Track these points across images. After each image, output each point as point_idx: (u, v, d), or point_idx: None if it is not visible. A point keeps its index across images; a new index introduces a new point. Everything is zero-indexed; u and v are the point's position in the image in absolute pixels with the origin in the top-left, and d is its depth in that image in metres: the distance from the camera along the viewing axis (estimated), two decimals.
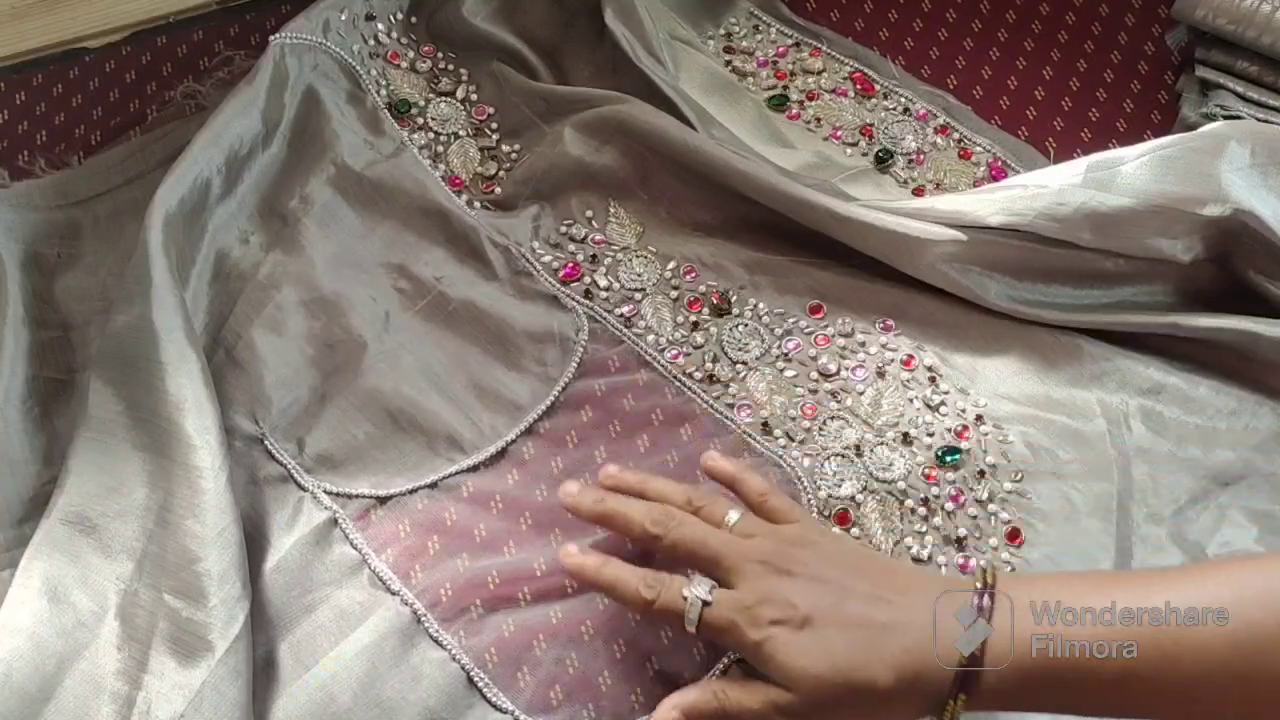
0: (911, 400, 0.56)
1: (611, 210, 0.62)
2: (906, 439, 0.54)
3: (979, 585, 0.43)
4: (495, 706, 0.48)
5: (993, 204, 0.55)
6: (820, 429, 0.55)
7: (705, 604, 0.44)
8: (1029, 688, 0.41)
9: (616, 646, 0.49)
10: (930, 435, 0.54)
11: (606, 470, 0.50)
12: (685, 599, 0.44)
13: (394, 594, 0.50)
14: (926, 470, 0.53)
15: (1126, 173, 0.54)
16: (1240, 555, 0.50)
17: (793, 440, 0.54)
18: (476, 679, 0.48)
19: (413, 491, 0.53)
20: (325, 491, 0.53)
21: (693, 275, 0.60)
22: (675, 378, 0.56)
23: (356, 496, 0.53)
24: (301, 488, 0.53)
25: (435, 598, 0.50)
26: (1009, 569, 0.51)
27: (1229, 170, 0.53)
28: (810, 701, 0.42)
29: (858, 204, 0.58)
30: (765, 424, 0.55)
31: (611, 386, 0.56)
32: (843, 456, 0.54)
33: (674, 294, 0.59)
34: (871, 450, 0.54)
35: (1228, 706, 0.39)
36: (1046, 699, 0.41)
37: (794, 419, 0.55)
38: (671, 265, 0.60)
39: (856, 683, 0.41)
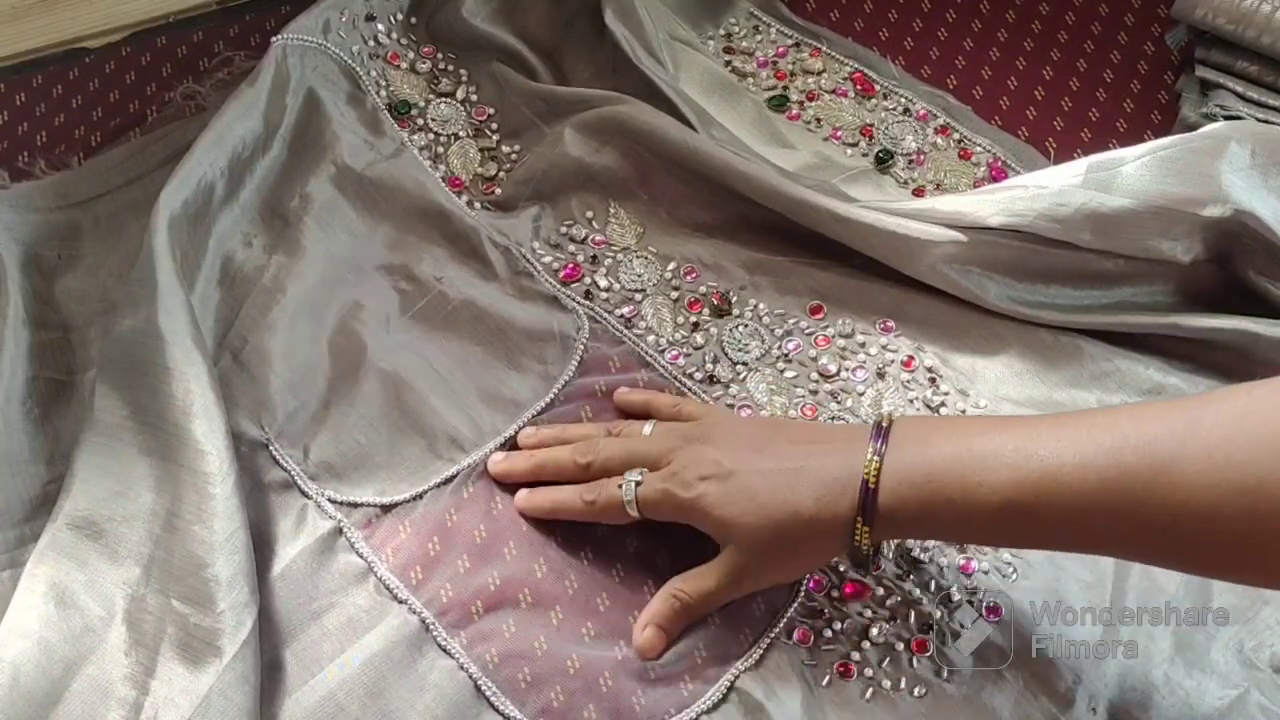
0: (912, 401, 0.56)
1: (612, 211, 0.62)
2: None
3: (878, 427, 0.46)
4: (503, 715, 0.48)
5: (993, 204, 0.55)
6: None
7: (637, 484, 0.49)
8: (922, 516, 0.44)
9: (617, 648, 0.49)
10: None
11: (524, 432, 0.55)
12: (620, 487, 0.49)
13: (401, 602, 0.50)
14: None
15: (1127, 173, 0.54)
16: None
17: None
18: (484, 687, 0.48)
19: (417, 497, 0.53)
20: (329, 500, 0.53)
21: (693, 276, 0.60)
22: (675, 378, 0.57)
23: (361, 505, 0.53)
24: (305, 495, 0.53)
25: (440, 604, 0.50)
26: (1011, 570, 0.51)
27: (1229, 171, 0.53)
28: (749, 549, 0.47)
29: (858, 205, 0.58)
30: None
31: (612, 386, 0.56)
32: None
33: (674, 295, 0.59)
34: None
35: (1104, 537, 0.42)
36: (939, 527, 0.45)
37: (795, 417, 0.55)
38: (672, 266, 0.60)
39: (781, 517, 0.46)
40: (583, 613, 0.50)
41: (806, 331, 0.58)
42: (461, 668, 0.49)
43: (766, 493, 0.46)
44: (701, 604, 0.48)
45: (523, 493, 0.53)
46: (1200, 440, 0.38)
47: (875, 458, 0.44)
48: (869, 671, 0.49)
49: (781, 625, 0.50)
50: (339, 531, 0.52)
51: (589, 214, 0.62)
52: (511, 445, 0.55)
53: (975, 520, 0.43)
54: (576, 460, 0.51)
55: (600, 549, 0.52)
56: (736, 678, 0.48)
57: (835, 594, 0.51)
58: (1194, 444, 0.38)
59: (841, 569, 0.51)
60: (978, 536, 0.47)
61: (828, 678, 0.49)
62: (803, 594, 0.50)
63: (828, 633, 0.50)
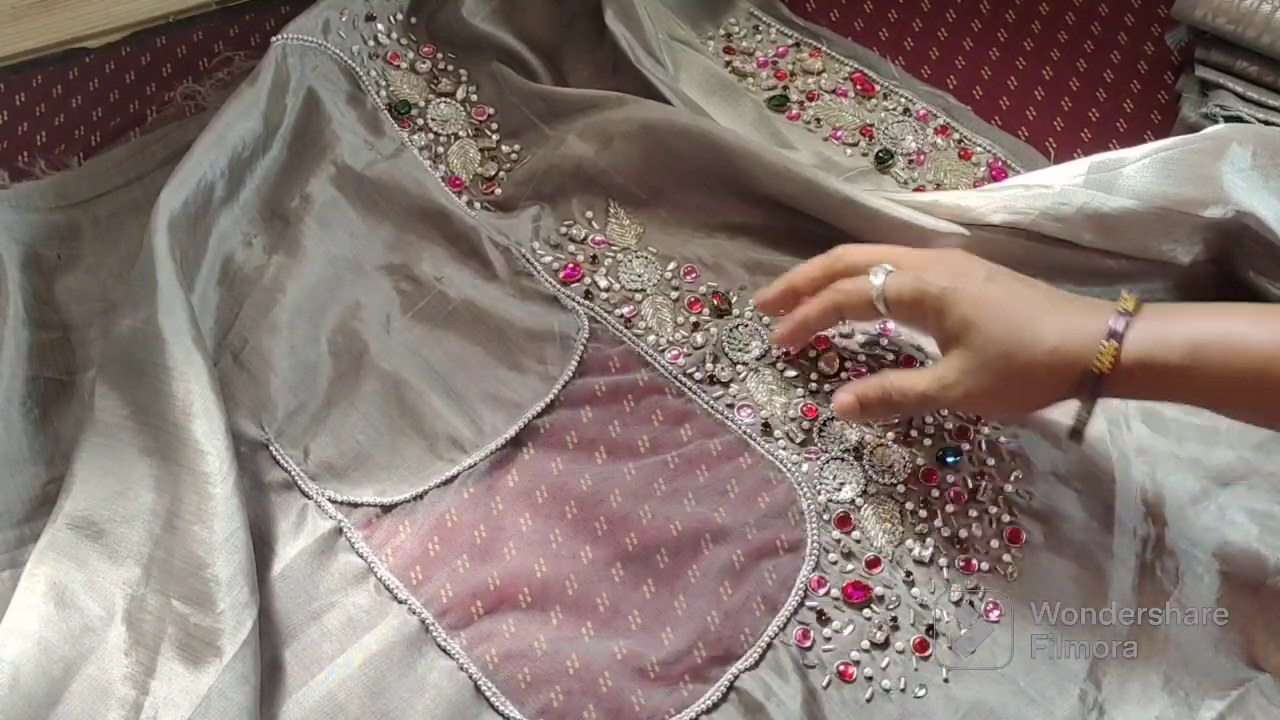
0: None
1: (611, 211, 0.62)
2: (907, 439, 0.54)
3: (1122, 310, 0.47)
4: (503, 715, 0.48)
5: (995, 202, 0.56)
6: (820, 430, 0.55)
7: (888, 272, 0.50)
8: (1157, 371, 0.45)
9: (617, 648, 0.49)
10: (930, 436, 0.54)
11: (763, 298, 0.56)
12: (870, 276, 0.50)
13: (401, 602, 0.50)
14: (926, 472, 0.53)
15: (1128, 174, 0.54)
16: None
17: (793, 441, 0.55)
18: (484, 687, 0.48)
19: (417, 498, 0.53)
20: (330, 500, 0.53)
21: (693, 276, 0.60)
22: (675, 378, 0.57)
23: (361, 505, 0.53)
24: (305, 495, 0.53)
25: (440, 604, 0.50)
26: (1011, 570, 0.51)
27: (1230, 172, 0.53)
28: (979, 353, 0.47)
29: (866, 191, 0.58)
30: (766, 424, 0.55)
31: (612, 386, 0.56)
32: (842, 459, 0.54)
33: (674, 295, 0.59)
34: (871, 452, 0.54)
35: None
36: (1185, 384, 0.46)
37: (794, 420, 0.55)
38: (672, 266, 0.60)
39: (1024, 335, 0.46)
40: (583, 613, 0.50)
41: None
42: (461, 668, 0.49)
43: (1016, 307, 0.47)
44: (903, 399, 0.50)
45: (783, 325, 0.55)
46: None
47: (1124, 311, 0.46)
48: (870, 672, 0.49)
49: (782, 625, 0.50)
50: (339, 531, 0.52)
51: (589, 214, 0.62)
52: (512, 446, 0.55)
53: (1235, 375, 0.44)
54: (825, 264, 0.53)
55: (600, 549, 0.52)
56: (736, 678, 0.49)
57: (835, 594, 0.51)
58: None
59: (842, 569, 0.51)
60: (1226, 395, 0.47)
61: (828, 679, 0.49)
62: (803, 594, 0.50)
63: (828, 633, 0.50)
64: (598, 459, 0.54)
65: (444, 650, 0.49)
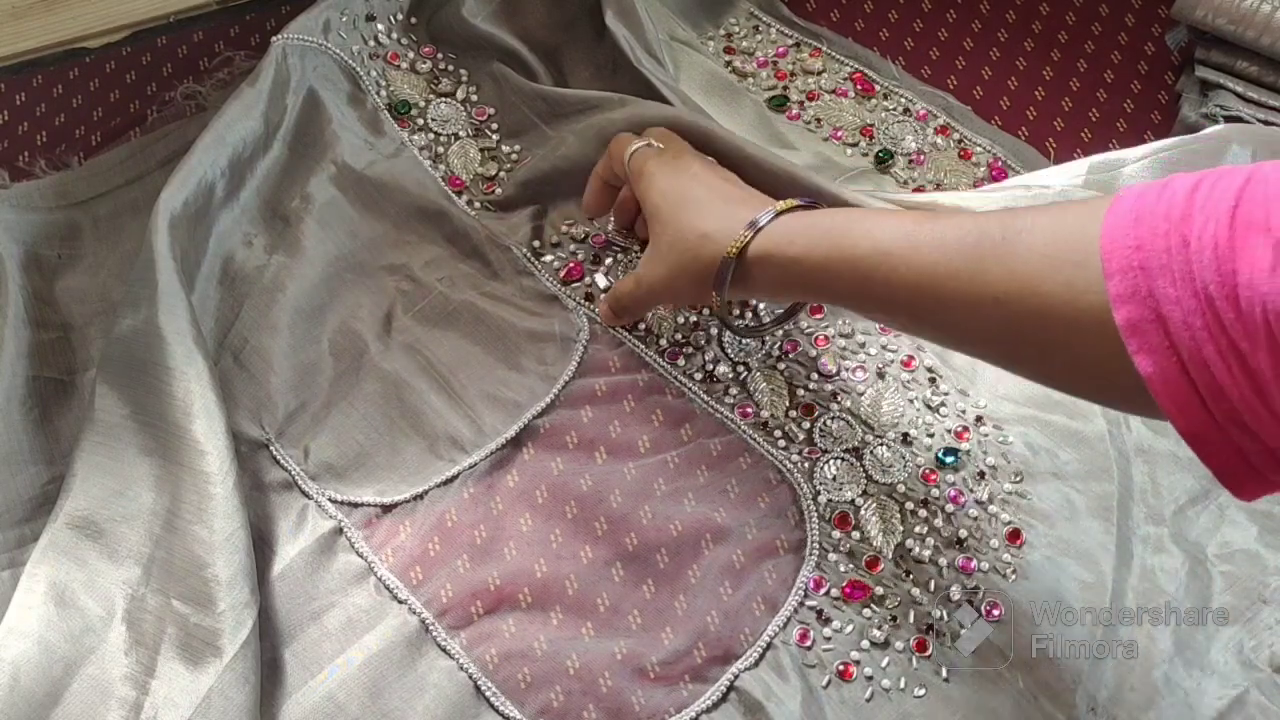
0: (911, 401, 0.56)
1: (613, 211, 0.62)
2: (906, 440, 0.54)
3: (779, 209, 0.50)
4: (503, 715, 0.48)
5: (995, 203, 0.56)
6: (820, 430, 0.55)
7: (649, 146, 0.55)
8: (780, 263, 0.48)
9: (617, 648, 0.49)
10: (930, 436, 0.54)
11: (586, 202, 0.60)
12: (635, 140, 0.56)
13: (401, 602, 0.50)
14: (926, 472, 0.53)
15: (1128, 174, 0.54)
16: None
17: (792, 441, 0.55)
18: (484, 687, 0.48)
19: (418, 498, 0.53)
20: (330, 500, 0.53)
21: None
22: (675, 378, 0.57)
23: (361, 505, 0.53)
24: (306, 495, 0.53)
25: (440, 604, 0.50)
26: (1011, 570, 0.51)
27: None
28: (656, 248, 0.52)
29: (864, 193, 0.58)
30: (765, 424, 0.55)
31: (612, 386, 0.56)
32: (842, 459, 0.54)
33: None
34: (871, 452, 0.54)
35: (950, 303, 0.43)
36: (797, 279, 0.48)
37: (794, 419, 0.55)
38: None
39: (684, 226, 0.51)
40: (583, 613, 0.50)
41: (806, 331, 0.58)
42: (461, 668, 0.49)
43: (694, 196, 0.51)
44: (627, 301, 0.55)
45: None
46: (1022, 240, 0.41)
47: (778, 210, 0.49)
48: (869, 671, 0.49)
49: (782, 625, 0.50)
50: (339, 531, 0.52)
51: None
52: (512, 446, 0.55)
53: (839, 266, 0.46)
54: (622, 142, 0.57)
55: (600, 549, 0.52)
56: (736, 677, 0.49)
57: (835, 594, 0.51)
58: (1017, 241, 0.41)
59: (842, 568, 0.51)
60: (836, 286, 0.47)
61: (828, 678, 0.49)
62: (803, 594, 0.50)
63: (828, 632, 0.50)
64: (598, 459, 0.54)
65: (444, 650, 0.49)
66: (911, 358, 0.57)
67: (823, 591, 0.51)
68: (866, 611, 0.50)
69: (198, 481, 0.49)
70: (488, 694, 0.48)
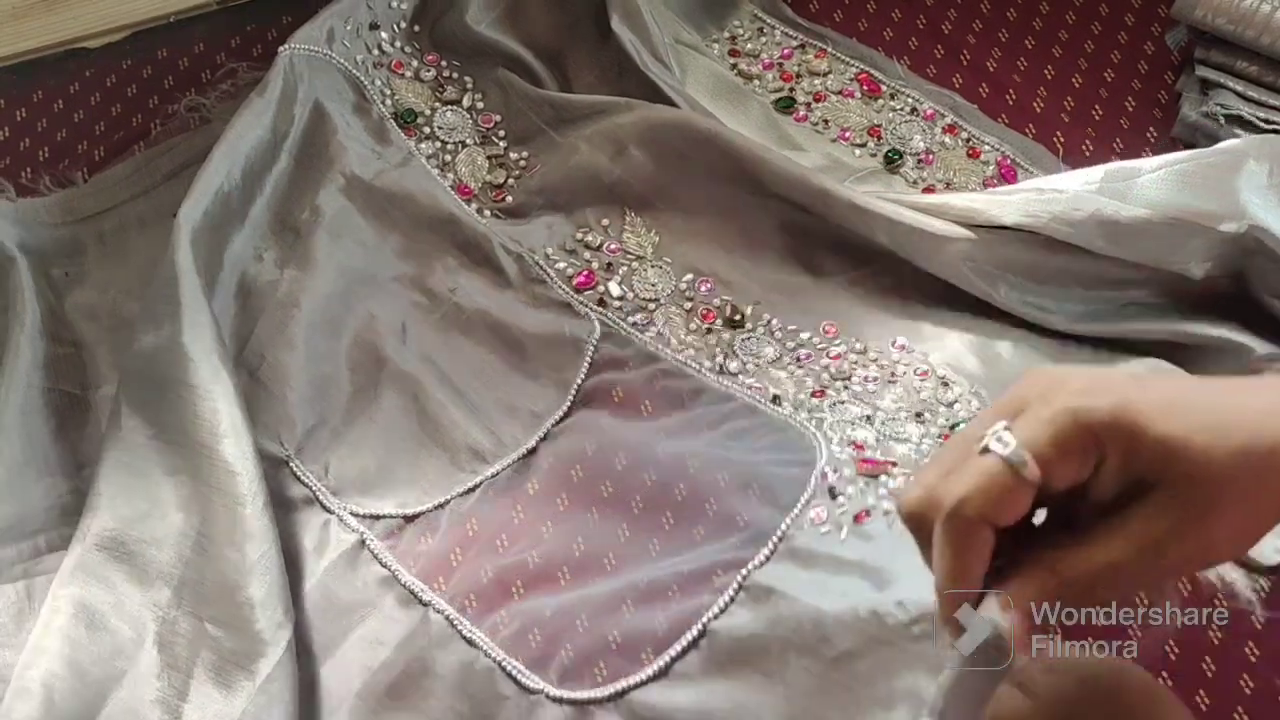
0: (924, 397, 0.56)
1: (628, 219, 0.62)
2: (919, 417, 0.54)
3: None
4: (527, 690, 0.47)
5: (1008, 205, 0.56)
6: (831, 407, 0.54)
7: (1006, 428, 0.30)
8: None
9: (639, 577, 0.49)
10: (943, 417, 0.54)
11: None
12: (983, 451, 0.30)
13: (425, 605, 0.50)
14: (940, 437, 0.53)
15: (1143, 183, 0.54)
16: None
17: (805, 410, 0.54)
18: (508, 667, 0.48)
19: (439, 507, 0.53)
20: (352, 513, 0.53)
21: (708, 287, 0.60)
22: (686, 363, 0.56)
23: (383, 517, 0.53)
24: (327, 510, 0.53)
25: (463, 606, 0.50)
26: None
27: (1246, 189, 0.53)
28: (1204, 483, 0.29)
29: (877, 196, 0.58)
30: (775, 398, 0.55)
31: (625, 385, 0.56)
32: (853, 425, 0.53)
33: (688, 305, 0.59)
34: (884, 422, 0.54)
35: None
36: None
37: (804, 398, 0.55)
38: (688, 277, 0.60)
39: (1266, 431, 0.29)
40: (610, 615, 0.50)
41: (819, 346, 0.58)
42: (486, 655, 0.48)
43: (1220, 398, 0.31)
44: (1087, 586, 0.30)
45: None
46: None
47: None
48: (887, 507, 0.48)
49: (794, 517, 0.49)
50: (362, 544, 0.52)
51: (604, 221, 0.62)
52: (531, 454, 0.54)
53: None
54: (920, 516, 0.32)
55: (623, 560, 0.51)
56: (747, 576, 0.48)
57: (849, 474, 0.50)
58: None
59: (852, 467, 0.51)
60: None
61: (845, 529, 0.48)
62: (815, 487, 0.50)
63: (841, 499, 0.49)
64: (617, 465, 0.54)
65: (469, 642, 0.49)
66: (926, 371, 0.57)
67: (836, 476, 0.50)
68: (883, 477, 0.50)
69: (228, 503, 0.49)
70: (512, 672, 0.47)
